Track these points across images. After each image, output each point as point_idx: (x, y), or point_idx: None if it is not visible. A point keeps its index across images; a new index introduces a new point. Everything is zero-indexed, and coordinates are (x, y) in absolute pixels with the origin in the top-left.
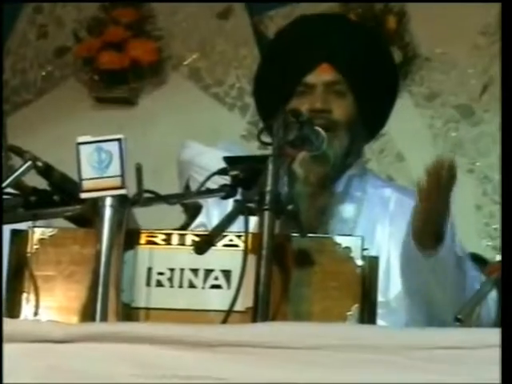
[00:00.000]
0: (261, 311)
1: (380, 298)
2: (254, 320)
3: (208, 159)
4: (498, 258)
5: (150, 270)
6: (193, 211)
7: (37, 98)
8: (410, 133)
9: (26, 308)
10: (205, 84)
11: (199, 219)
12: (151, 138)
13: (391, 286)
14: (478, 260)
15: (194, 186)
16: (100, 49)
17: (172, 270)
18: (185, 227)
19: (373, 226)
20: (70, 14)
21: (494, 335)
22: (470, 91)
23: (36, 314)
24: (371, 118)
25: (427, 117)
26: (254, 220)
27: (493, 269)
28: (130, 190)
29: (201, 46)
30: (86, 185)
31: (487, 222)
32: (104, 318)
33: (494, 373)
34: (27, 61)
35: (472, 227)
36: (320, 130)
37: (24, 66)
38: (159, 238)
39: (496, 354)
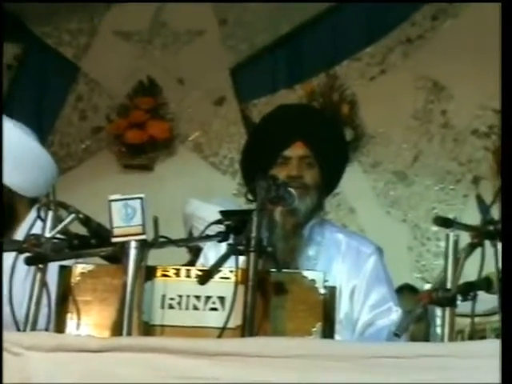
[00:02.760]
0: (248, 328)
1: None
2: (243, 335)
3: (206, 212)
4: (426, 287)
5: (163, 296)
6: (195, 252)
7: (78, 165)
8: (359, 192)
9: (70, 325)
10: (204, 155)
11: (199, 261)
12: (164, 196)
13: (342, 307)
14: (410, 289)
15: (195, 233)
16: (126, 128)
17: (180, 296)
18: (189, 264)
19: (329, 262)
20: (104, 101)
21: (424, 347)
22: (404, 161)
23: (77, 329)
24: (329, 181)
25: (372, 180)
26: (242, 259)
27: (422, 296)
28: (149, 235)
29: (201, 126)
30: (116, 232)
31: (417, 260)
32: (129, 333)
33: (426, 376)
34: (71, 137)
35: (405, 264)
36: (292, 190)
37: (68, 140)
38: (171, 272)
39: (426, 361)
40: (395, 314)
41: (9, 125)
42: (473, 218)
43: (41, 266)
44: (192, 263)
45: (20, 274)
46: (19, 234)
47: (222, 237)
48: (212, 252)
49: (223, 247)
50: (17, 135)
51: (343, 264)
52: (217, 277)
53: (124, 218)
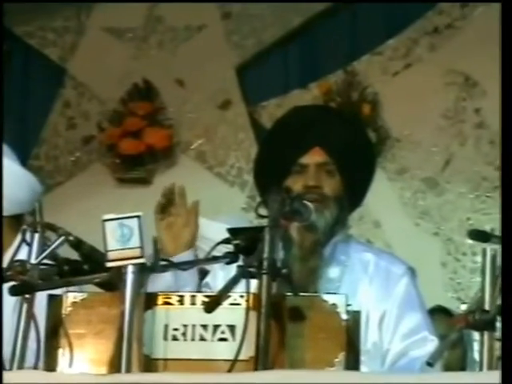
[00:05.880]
0: (261, 360)
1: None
2: (256, 367)
3: (211, 231)
4: (462, 308)
5: (166, 326)
6: (201, 275)
7: (67, 180)
8: (384, 203)
9: (62, 361)
10: (209, 165)
11: (205, 279)
12: None
13: (369, 336)
14: (443, 311)
15: (200, 255)
16: (120, 137)
17: (185, 326)
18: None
19: (355, 285)
20: (95, 107)
21: (461, 377)
22: (434, 166)
23: (70, 366)
24: (354, 193)
25: (398, 188)
26: (254, 282)
27: (458, 320)
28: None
29: (205, 132)
30: (111, 255)
31: (451, 277)
32: (129, 369)
33: None
34: (58, 149)
35: (438, 282)
36: (308, 203)
37: (56, 153)
38: (174, 299)
39: None
40: (431, 343)
41: None
42: None
43: (27, 295)
44: (198, 289)
45: (8, 306)
46: (5, 261)
47: (230, 258)
48: (222, 272)
49: (233, 269)
50: None
51: (371, 287)
52: (225, 303)
53: (120, 239)
